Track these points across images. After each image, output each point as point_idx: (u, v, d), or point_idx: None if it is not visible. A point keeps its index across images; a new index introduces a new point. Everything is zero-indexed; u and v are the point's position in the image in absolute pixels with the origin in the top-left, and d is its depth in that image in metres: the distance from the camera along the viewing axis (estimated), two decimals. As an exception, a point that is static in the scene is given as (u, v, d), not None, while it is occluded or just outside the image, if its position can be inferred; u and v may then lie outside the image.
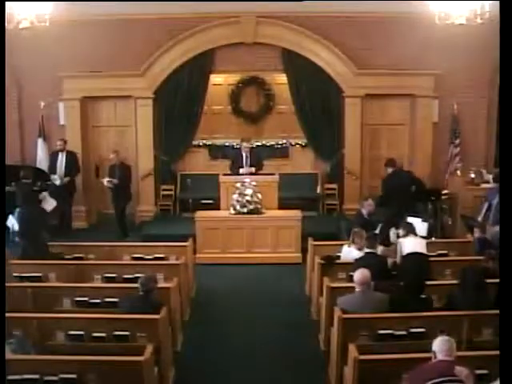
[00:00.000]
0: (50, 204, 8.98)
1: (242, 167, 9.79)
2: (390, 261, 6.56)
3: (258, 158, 10.04)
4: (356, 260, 6.24)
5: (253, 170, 9.78)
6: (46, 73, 10.69)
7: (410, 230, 6.80)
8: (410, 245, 6.58)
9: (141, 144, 11.11)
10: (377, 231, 7.42)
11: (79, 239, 9.07)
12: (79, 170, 10.58)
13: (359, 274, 5.27)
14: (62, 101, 10.94)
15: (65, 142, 10.43)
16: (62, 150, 10.35)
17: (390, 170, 8.93)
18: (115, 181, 9.74)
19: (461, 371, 3.71)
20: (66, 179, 10.17)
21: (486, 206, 8.02)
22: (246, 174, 9.55)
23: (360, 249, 6.55)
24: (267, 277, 8.32)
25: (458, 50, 10.40)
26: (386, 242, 7.14)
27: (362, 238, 6.64)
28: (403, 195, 8.69)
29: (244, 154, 9.94)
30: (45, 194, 8.95)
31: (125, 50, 10.76)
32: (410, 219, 8.27)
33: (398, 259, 6.64)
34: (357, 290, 5.28)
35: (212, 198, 10.13)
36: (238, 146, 10.83)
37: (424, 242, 6.78)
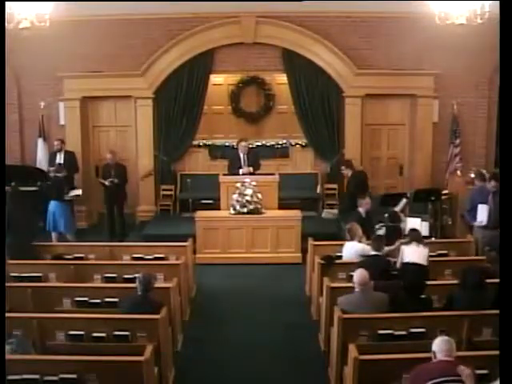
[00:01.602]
0: (74, 191, 9.23)
1: (241, 167, 9.79)
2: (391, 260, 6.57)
3: (255, 158, 10.04)
4: (361, 261, 6.22)
5: (251, 169, 9.80)
6: (46, 73, 10.70)
7: (415, 238, 6.59)
8: (410, 253, 6.46)
9: (141, 144, 11.11)
10: (381, 232, 7.46)
11: (79, 239, 9.10)
12: (78, 169, 10.57)
13: (358, 275, 5.27)
14: (62, 101, 10.94)
15: (62, 142, 10.43)
16: (59, 150, 10.36)
17: (348, 171, 8.89)
18: (116, 180, 9.76)
19: (462, 370, 3.71)
20: (63, 173, 10.15)
21: (486, 208, 7.67)
22: (245, 174, 9.55)
23: (360, 241, 6.69)
24: (267, 277, 8.32)
25: (457, 50, 10.39)
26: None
27: (357, 231, 6.75)
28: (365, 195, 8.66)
29: (242, 155, 9.95)
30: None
31: (125, 50, 10.77)
32: (409, 219, 8.28)
33: (398, 265, 6.58)
34: (356, 290, 5.28)
35: (212, 198, 10.14)
36: (236, 147, 10.84)
37: (426, 251, 6.50)
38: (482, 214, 7.74)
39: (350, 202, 8.61)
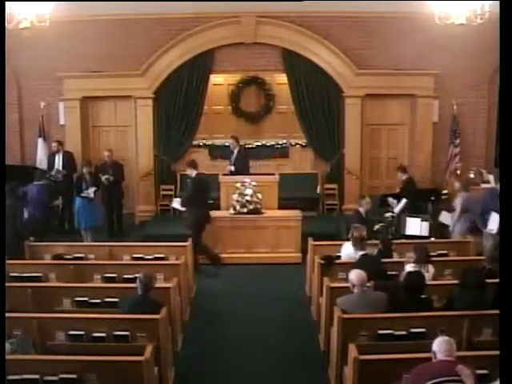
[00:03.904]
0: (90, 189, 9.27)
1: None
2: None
3: (241, 160, 10.12)
4: (353, 262, 6.18)
5: (232, 168, 9.92)
6: (46, 73, 10.71)
7: (419, 260, 6.07)
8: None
9: (141, 144, 11.11)
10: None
11: (79, 239, 9.10)
12: (76, 169, 10.57)
13: (354, 275, 5.27)
14: (62, 101, 10.95)
15: (60, 144, 10.45)
16: (57, 152, 10.37)
17: (193, 172, 8.88)
18: (111, 178, 9.80)
19: (461, 370, 3.71)
20: (63, 172, 10.17)
21: (497, 217, 7.31)
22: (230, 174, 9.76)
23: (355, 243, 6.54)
24: (267, 277, 8.32)
25: (458, 50, 10.40)
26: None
27: (360, 234, 6.64)
28: (204, 197, 8.80)
29: (232, 153, 10.14)
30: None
31: (125, 50, 10.77)
32: (409, 219, 8.28)
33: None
34: (355, 290, 5.28)
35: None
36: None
37: (430, 274, 6.10)
38: (494, 222, 7.47)
39: (189, 201, 8.77)
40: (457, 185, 8.62)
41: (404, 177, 9.31)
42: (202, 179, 8.79)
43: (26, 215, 8.52)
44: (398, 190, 9.52)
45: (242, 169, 9.99)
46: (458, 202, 8.28)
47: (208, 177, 9.20)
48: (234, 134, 11.09)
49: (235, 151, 10.25)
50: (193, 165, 8.87)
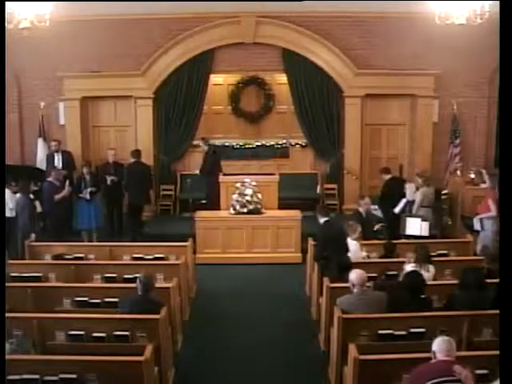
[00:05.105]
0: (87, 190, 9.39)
1: None
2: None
3: (211, 160, 10.27)
4: (320, 228, 6.74)
5: (196, 171, 10.28)
6: (46, 73, 10.72)
7: (420, 259, 6.14)
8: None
9: (141, 144, 11.07)
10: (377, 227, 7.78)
11: (79, 239, 9.10)
12: (75, 168, 10.57)
13: (354, 275, 5.28)
14: (62, 101, 10.95)
15: (59, 143, 10.46)
16: (56, 151, 10.37)
17: (131, 160, 9.65)
18: (116, 178, 9.80)
19: (459, 371, 3.70)
20: (63, 172, 10.16)
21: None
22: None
23: (356, 239, 6.84)
24: (267, 277, 8.33)
25: (458, 50, 10.40)
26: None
27: (355, 232, 6.84)
28: (141, 184, 9.69)
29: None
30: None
31: (125, 50, 10.77)
32: (409, 219, 8.28)
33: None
34: (355, 290, 5.28)
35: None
36: (237, 146, 10.85)
37: (431, 274, 6.11)
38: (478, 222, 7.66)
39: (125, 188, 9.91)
40: (419, 180, 9.02)
41: (387, 177, 9.36)
42: (134, 167, 9.53)
43: (39, 209, 8.70)
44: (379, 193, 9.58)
45: (210, 170, 10.09)
46: (418, 196, 8.76)
47: (145, 165, 10.04)
48: (236, 134, 11.14)
49: (206, 153, 10.39)
50: (133, 153, 9.71)
